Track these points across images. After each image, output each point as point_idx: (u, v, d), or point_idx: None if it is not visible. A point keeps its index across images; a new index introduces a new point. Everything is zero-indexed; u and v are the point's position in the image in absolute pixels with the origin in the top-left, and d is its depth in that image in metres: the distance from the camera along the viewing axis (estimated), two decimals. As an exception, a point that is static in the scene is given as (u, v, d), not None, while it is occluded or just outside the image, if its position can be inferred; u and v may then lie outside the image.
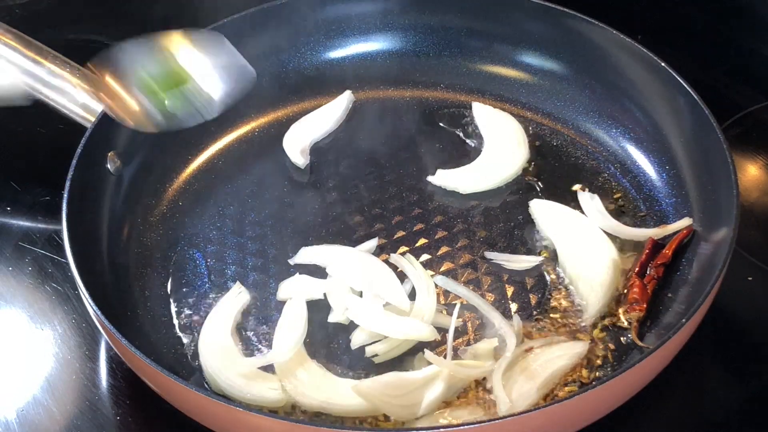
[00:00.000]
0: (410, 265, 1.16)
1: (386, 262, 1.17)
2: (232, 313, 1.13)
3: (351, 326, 1.11)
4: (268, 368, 1.07)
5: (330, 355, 1.09)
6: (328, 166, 1.33)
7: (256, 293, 1.16)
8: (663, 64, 1.23)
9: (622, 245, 1.18)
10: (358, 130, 1.38)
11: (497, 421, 0.91)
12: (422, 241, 1.22)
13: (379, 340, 1.09)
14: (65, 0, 1.69)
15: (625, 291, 1.12)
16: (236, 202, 1.28)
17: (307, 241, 1.22)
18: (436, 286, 1.15)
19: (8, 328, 1.19)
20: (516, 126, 1.34)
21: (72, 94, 1.23)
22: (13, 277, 1.24)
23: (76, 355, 1.15)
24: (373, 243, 1.20)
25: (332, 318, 1.12)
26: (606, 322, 1.10)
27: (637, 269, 1.13)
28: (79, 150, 1.15)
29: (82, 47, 1.57)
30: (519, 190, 1.27)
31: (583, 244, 1.17)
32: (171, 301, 1.16)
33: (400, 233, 1.23)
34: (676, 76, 1.21)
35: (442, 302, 1.14)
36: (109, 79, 0.98)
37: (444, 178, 1.28)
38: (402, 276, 1.15)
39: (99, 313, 0.99)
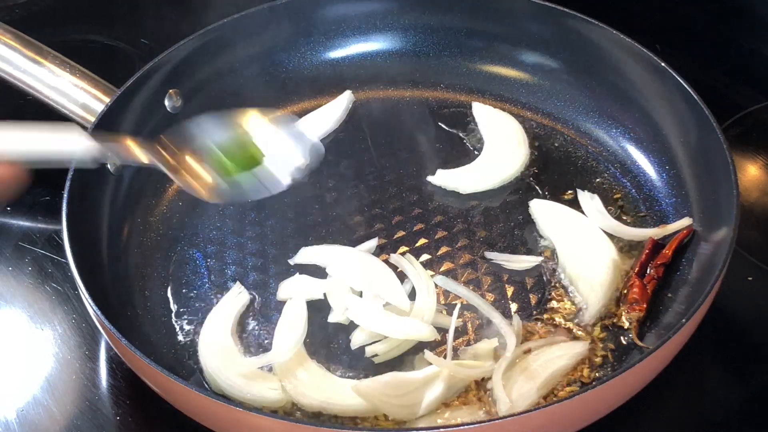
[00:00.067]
0: (410, 265, 1.16)
1: (386, 262, 1.17)
2: (232, 313, 1.13)
3: (351, 326, 1.11)
4: (268, 368, 1.07)
5: (330, 355, 1.09)
6: (328, 166, 1.33)
7: (256, 293, 1.16)
8: (663, 64, 1.23)
9: (622, 245, 1.18)
10: (358, 130, 1.38)
11: (497, 421, 0.91)
12: (422, 241, 1.22)
13: (379, 340, 1.09)
14: (65, 0, 1.69)
15: (625, 291, 1.12)
16: (236, 202, 1.28)
17: (307, 241, 1.22)
18: (436, 286, 1.15)
19: (8, 328, 1.19)
20: (516, 126, 1.34)
21: (72, 94, 1.23)
22: (13, 277, 1.24)
23: (76, 355, 1.15)
24: (373, 243, 1.20)
25: (332, 318, 1.12)
26: (606, 322, 1.10)
27: (637, 269, 1.13)
28: (79, 150, 1.15)
29: (82, 47, 1.58)
30: (519, 190, 1.27)
31: (583, 244, 1.17)
32: (171, 301, 1.16)
33: (400, 233, 1.23)
34: (676, 76, 1.21)
35: (442, 302, 1.14)
36: (184, 154, 1.00)
37: (444, 178, 1.28)
38: (402, 276, 1.15)
39: (99, 313, 0.99)
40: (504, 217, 1.24)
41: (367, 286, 1.13)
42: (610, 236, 1.19)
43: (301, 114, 1.38)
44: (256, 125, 1.03)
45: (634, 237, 1.18)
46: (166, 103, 1.31)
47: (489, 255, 1.19)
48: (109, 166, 1.21)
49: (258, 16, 1.37)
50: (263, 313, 1.14)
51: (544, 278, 1.16)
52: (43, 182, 1.34)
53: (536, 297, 1.14)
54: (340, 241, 1.21)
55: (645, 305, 1.09)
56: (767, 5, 1.55)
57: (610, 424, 0.99)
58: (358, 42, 1.44)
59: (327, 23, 1.42)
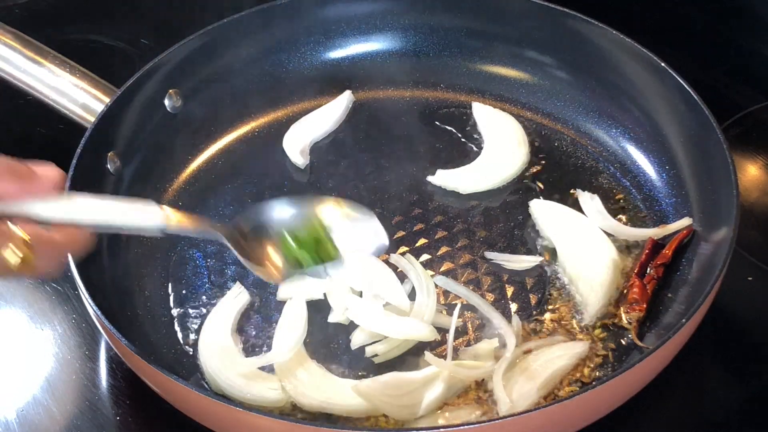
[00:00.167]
0: (410, 265, 1.16)
1: (386, 262, 1.17)
2: (232, 313, 1.13)
3: (351, 326, 1.11)
4: (268, 368, 1.07)
5: (330, 355, 1.09)
6: (328, 166, 1.33)
7: (256, 293, 1.16)
8: (663, 64, 1.23)
9: (622, 245, 1.18)
10: (358, 130, 1.38)
11: (497, 421, 0.91)
12: (422, 241, 1.22)
13: (379, 340, 1.09)
14: (65, 0, 1.69)
15: (625, 291, 1.12)
16: (236, 202, 1.28)
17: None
18: (436, 286, 1.15)
19: (8, 328, 1.19)
20: (516, 126, 1.34)
21: (72, 94, 1.23)
22: (13, 277, 1.24)
23: (76, 355, 1.15)
24: (373, 243, 1.20)
25: (332, 318, 1.12)
26: (606, 322, 1.10)
27: (637, 269, 1.13)
28: (79, 150, 1.15)
29: (82, 47, 1.58)
30: (519, 190, 1.27)
31: (583, 244, 1.17)
32: (171, 301, 1.16)
33: (400, 233, 1.23)
34: (676, 76, 1.21)
35: (442, 302, 1.14)
36: (257, 240, 1.01)
37: (444, 178, 1.28)
38: (402, 276, 1.15)
39: (99, 313, 0.99)
40: (504, 217, 1.24)
41: (367, 286, 1.13)
42: (610, 236, 1.19)
43: (301, 114, 1.38)
44: (332, 217, 1.03)
45: (634, 237, 1.18)
46: (166, 103, 1.31)
47: (489, 255, 1.19)
48: (109, 166, 1.21)
49: (258, 15, 1.37)
50: (263, 313, 1.14)
51: (544, 278, 1.16)
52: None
53: (536, 297, 1.14)
54: (340, 241, 1.21)
55: (645, 305, 1.09)
56: (767, 5, 1.55)
57: (610, 424, 0.99)
58: (358, 42, 1.44)
59: (327, 23, 1.42)
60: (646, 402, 1.04)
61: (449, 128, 1.37)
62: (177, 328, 1.13)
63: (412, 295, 1.13)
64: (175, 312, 1.15)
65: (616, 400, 0.98)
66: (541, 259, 1.18)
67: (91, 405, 1.09)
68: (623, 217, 1.22)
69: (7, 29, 1.25)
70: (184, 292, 1.17)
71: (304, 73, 1.42)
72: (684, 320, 0.96)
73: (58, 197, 0.87)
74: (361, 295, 1.13)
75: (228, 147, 1.36)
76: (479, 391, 1.04)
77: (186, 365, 1.09)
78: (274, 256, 1.01)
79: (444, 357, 1.05)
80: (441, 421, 1.00)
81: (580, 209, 1.22)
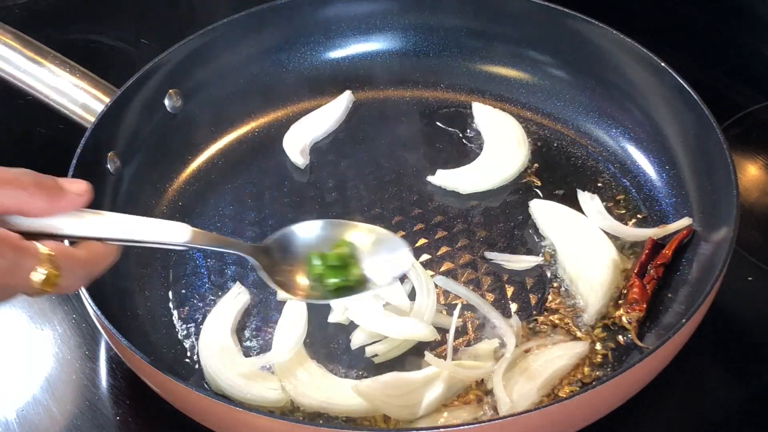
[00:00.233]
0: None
1: (386, 262, 1.17)
2: (232, 313, 1.13)
3: (351, 326, 1.11)
4: (268, 368, 1.07)
5: (330, 355, 1.09)
6: (328, 166, 1.33)
7: (256, 293, 1.16)
8: (663, 64, 1.23)
9: (622, 245, 1.18)
10: (358, 130, 1.38)
11: (497, 421, 0.91)
12: (422, 241, 1.22)
13: (379, 340, 1.09)
14: (65, 0, 1.69)
15: (625, 291, 1.12)
16: (236, 202, 1.28)
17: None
18: (436, 286, 1.15)
19: (8, 328, 1.19)
20: (516, 126, 1.34)
21: (72, 94, 1.23)
22: (13, 277, 1.24)
23: (76, 355, 1.15)
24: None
25: (332, 318, 1.12)
26: (606, 321, 1.10)
27: (637, 269, 1.13)
28: (79, 150, 1.15)
29: (82, 47, 1.58)
30: (519, 190, 1.27)
31: (583, 244, 1.17)
32: (171, 301, 1.16)
33: (400, 233, 1.23)
34: (676, 76, 1.21)
35: (442, 302, 1.14)
36: (285, 261, 1.01)
37: (444, 178, 1.28)
38: (402, 276, 1.15)
39: (99, 313, 0.99)
40: (504, 217, 1.24)
41: (367, 286, 1.12)
42: (610, 236, 1.19)
43: (301, 114, 1.38)
44: (361, 241, 1.02)
45: (634, 237, 1.18)
46: (166, 103, 1.31)
47: (489, 255, 1.19)
48: (109, 166, 1.21)
49: (258, 15, 1.37)
50: (263, 313, 1.14)
51: (544, 278, 1.16)
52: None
53: (536, 297, 1.14)
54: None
55: (645, 305, 1.09)
56: (767, 5, 1.55)
57: (610, 424, 0.99)
58: (358, 42, 1.44)
59: (327, 23, 1.42)
60: (646, 402, 1.04)
61: (449, 128, 1.37)
62: (177, 328, 1.13)
63: (412, 295, 1.13)
64: (175, 312, 1.15)
65: (616, 400, 0.98)
66: (541, 259, 1.18)
67: (91, 405, 1.09)
68: (623, 217, 1.22)
69: (7, 29, 1.25)
70: (184, 292, 1.17)
71: (304, 73, 1.42)
72: (684, 320, 0.96)
73: (86, 213, 0.85)
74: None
75: (228, 147, 1.36)
76: (479, 391, 1.04)
77: (186, 365, 1.09)
78: (300, 278, 1.00)
79: (444, 357, 1.05)
80: (441, 421, 1.00)
81: (580, 209, 1.22)
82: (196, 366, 1.09)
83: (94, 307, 1.00)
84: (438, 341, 1.09)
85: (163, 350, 1.11)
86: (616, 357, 1.07)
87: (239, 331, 1.12)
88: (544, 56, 1.38)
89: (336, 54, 1.44)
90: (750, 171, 1.33)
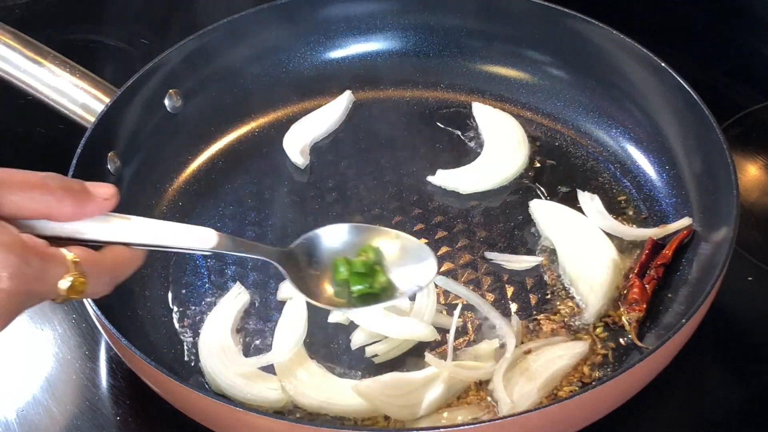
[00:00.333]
0: (410, 265, 1.16)
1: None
2: (232, 313, 1.13)
3: (351, 326, 1.11)
4: (268, 368, 1.07)
5: (330, 355, 1.09)
6: (328, 166, 1.33)
7: (256, 293, 1.16)
8: (663, 64, 1.23)
9: (622, 245, 1.18)
10: (358, 130, 1.38)
11: (497, 421, 0.91)
12: (422, 241, 1.22)
13: (379, 340, 1.09)
14: (65, 0, 1.69)
15: (625, 291, 1.12)
16: (236, 202, 1.28)
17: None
18: (436, 286, 1.14)
19: (8, 328, 1.18)
20: (516, 126, 1.34)
21: (72, 94, 1.23)
22: (13, 277, 1.24)
23: (76, 355, 1.15)
24: (373, 243, 1.20)
25: (332, 318, 1.12)
26: (606, 321, 1.10)
27: (637, 269, 1.13)
28: (79, 150, 1.15)
29: (82, 47, 1.58)
30: (519, 190, 1.27)
31: (583, 244, 1.17)
32: (171, 301, 1.16)
33: (400, 233, 1.23)
34: (676, 76, 1.21)
35: (442, 302, 1.14)
36: (311, 267, 1.00)
37: (444, 178, 1.28)
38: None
39: (99, 313, 0.99)
40: (504, 217, 1.24)
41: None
42: (610, 236, 1.19)
43: (301, 114, 1.38)
44: (386, 247, 1.02)
45: (634, 237, 1.18)
46: (166, 103, 1.31)
47: (489, 255, 1.19)
48: (109, 166, 1.21)
49: (258, 15, 1.37)
50: (263, 313, 1.14)
51: (544, 278, 1.16)
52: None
53: (536, 297, 1.14)
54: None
55: (645, 305, 1.09)
56: (767, 5, 1.55)
57: (610, 424, 0.99)
58: (358, 42, 1.44)
59: (327, 23, 1.42)
60: (646, 402, 1.04)
61: (449, 128, 1.37)
62: (177, 328, 1.13)
63: (412, 295, 1.13)
64: (175, 312, 1.15)
65: (616, 400, 0.98)
66: (541, 259, 1.18)
67: (91, 405, 1.09)
68: (623, 217, 1.22)
69: (7, 29, 1.25)
70: (184, 292, 1.17)
71: (304, 73, 1.42)
72: (684, 320, 0.96)
73: (112, 217, 0.85)
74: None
75: (228, 147, 1.36)
76: (480, 391, 1.04)
77: (186, 365, 1.09)
78: (326, 284, 1.00)
79: (444, 357, 1.05)
80: (441, 422, 1.00)
81: (580, 209, 1.22)
82: (196, 366, 1.09)
83: (94, 307, 1.00)
84: (438, 341, 1.09)
85: (163, 350, 1.11)
86: (616, 357, 1.07)
87: (239, 331, 1.12)
88: (544, 56, 1.38)
89: (336, 54, 1.44)
90: (750, 171, 1.33)
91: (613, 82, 1.32)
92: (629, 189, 1.26)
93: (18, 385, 1.12)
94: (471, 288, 1.15)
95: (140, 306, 1.15)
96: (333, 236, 1.02)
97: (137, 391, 1.08)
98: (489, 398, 1.03)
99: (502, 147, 1.31)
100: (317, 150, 1.35)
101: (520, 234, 1.22)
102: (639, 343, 1.07)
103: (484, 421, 0.90)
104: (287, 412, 1.03)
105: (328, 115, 1.38)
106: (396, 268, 1.01)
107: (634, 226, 1.21)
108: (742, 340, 1.14)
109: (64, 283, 0.78)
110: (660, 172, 1.26)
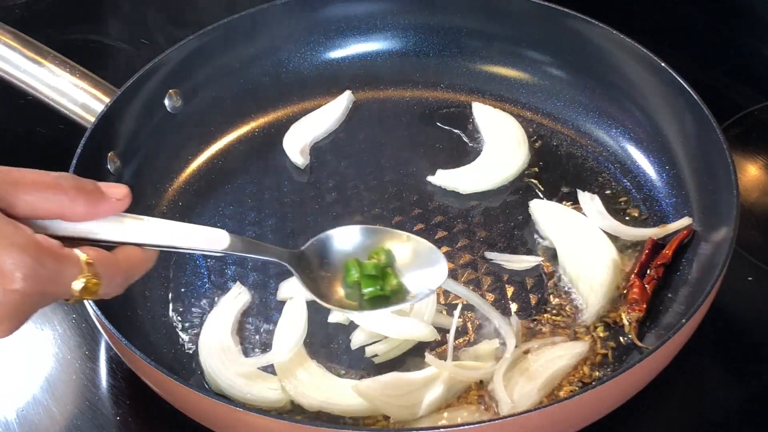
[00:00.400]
0: (410, 265, 1.16)
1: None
2: (232, 313, 1.13)
3: (351, 326, 1.11)
4: (268, 368, 1.07)
5: (330, 355, 1.09)
6: (328, 166, 1.33)
7: (256, 293, 1.16)
8: (663, 64, 1.23)
9: (622, 245, 1.18)
10: (358, 130, 1.38)
11: (497, 421, 0.91)
12: (422, 241, 1.22)
13: (379, 340, 1.09)
14: (65, 0, 1.69)
15: (625, 291, 1.12)
16: (236, 202, 1.28)
17: (307, 241, 1.21)
18: (437, 286, 1.14)
19: (8, 328, 1.19)
20: (516, 126, 1.34)
21: (72, 94, 1.23)
22: (13, 277, 1.24)
23: (76, 355, 1.15)
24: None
25: (332, 318, 1.12)
26: (606, 321, 1.10)
27: (637, 269, 1.13)
28: (79, 150, 1.15)
29: (82, 47, 1.58)
30: (519, 190, 1.27)
31: (583, 244, 1.17)
32: (171, 301, 1.16)
33: (400, 233, 1.23)
34: (676, 76, 1.21)
35: (442, 302, 1.14)
36: (323, 269, 1.00)
37: (444, 178, 1.28)
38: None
39: (99, 313, 0.99)
40: (504, 217, 1.24)
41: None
42: (610, 236, 1.19)
43: (301, 114, 1.38)
44: (397, 250, 1.01)
45: (634, 237, 1.18)
46: (166, 103, 1.31)
47: (489, 255, 1.19)
48: (109, 166, 1.21)
49: (258, 16, 1.37)
50: (263, 313, 1.14)
51: (544, 278, 1.16)
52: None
53: (536, 297, 1.14)
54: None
55: (645, 305, 1.09)
56: (767, 5, 1.55)
57: (610, 424, 0.99)
58: (358, 42, 1.44)
59: (327, 23, 1.42)
60: (646, 402, 1.04)
61: (449, 128, 1.37)
62: (177, 328, 1.13)
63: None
64: (175, 312, 1.15)
65: (616, 400, 0.98)
66: (541, 259, 1.18)
67: (91, 405, 1.09)
68: (623, 217, 1.22)
69: (7, 29, 1.25)
70: (184, 291, 1.17)
71: (304, 73, 1.42)
72: (684, 320, 0.96)
73: (125, 218, 0.85)
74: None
75: (228, 147, 1.36)
76: (480, 391, 1.04)
77: (186, 365, 1.09)
78: (337, 286, 1.00)
79: (444, 357, 1.05)
80: (441, 422, 1.00)
81: (580, 209, 1.22)
82: (196, 366, 1.09)
83: (94, 307, 1.00)
84: (438, 341, 1.09)
85: (163, 350, 1.11)
86: (616, 357, 1.07)
87: (239, 331, 1.12)
88: (544, 56, 1.38)
89: (336, 54, 1.44)
90: (750, 171, 1.33)
91: (613, 82, 1.32)
92: (629, 189, 1.26)
93: (18, 385, 1.12)
94: (471, 288, 1.15)
95: (140, 306, 1.15)
96: (344, 238, 1.02)
97: (137, 391, 1.08)
98: (489, 398, 1.03)
99: (502, 147, 1.31)
100: (317, 150, 1.35)
101: (520, 234, 1.22)
102: (639, 343, 1.07)
103: (484, 421, 0.90)
104: (287, 412, 1.03)
105: (328, 115, 1.38)
106: (407, 271, 1.01)
107: (634, 226, 1.21)
108: (742, 340, 1.14)
109: (77, 284, 0.78)
110: (660, 172, 1.26)
